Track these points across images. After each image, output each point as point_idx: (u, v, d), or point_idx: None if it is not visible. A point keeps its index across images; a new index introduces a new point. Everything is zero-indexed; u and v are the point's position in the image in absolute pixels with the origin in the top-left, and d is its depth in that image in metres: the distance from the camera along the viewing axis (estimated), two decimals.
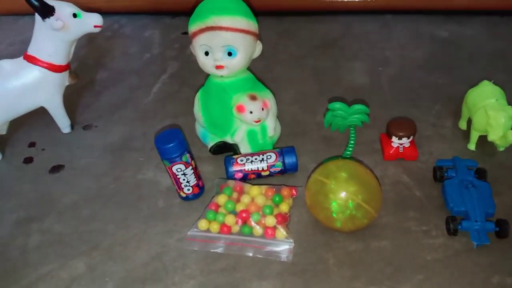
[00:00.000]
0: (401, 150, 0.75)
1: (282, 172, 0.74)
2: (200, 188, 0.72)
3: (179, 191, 0.71)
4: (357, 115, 0.69)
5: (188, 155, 0.67)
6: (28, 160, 0.86)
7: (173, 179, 0.69)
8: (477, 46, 1.08)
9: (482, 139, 0.75)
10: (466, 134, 0.80)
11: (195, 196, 0.72)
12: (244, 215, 0.65)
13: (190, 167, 0.68)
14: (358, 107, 0.69)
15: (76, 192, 0.78)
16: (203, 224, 0.66)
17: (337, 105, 0.69)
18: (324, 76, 1.01)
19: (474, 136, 0.76)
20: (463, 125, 0.82)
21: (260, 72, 0.78)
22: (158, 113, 0.96)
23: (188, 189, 0.70)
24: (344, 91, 0.94)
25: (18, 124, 0.92)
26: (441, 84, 0.95)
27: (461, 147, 0.78)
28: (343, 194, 0.60)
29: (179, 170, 0.67)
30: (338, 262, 0.61)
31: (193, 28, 0.71)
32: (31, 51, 0.82)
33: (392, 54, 1.06)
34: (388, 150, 0.75)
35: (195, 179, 0.70)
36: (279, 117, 0.80)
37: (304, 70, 1.04)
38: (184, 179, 0.69)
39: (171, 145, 0.65)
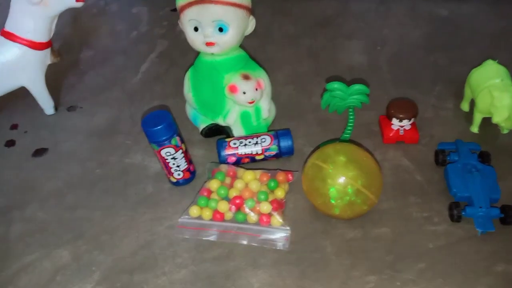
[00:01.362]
0: (401, 132, 0.72)
1: (277, 156, 0.71)
2: (191, 173, 0.68)
3: (169, 176, 0.68)
4: (357, 96, 0.65)
5: (177, 138, 0.63)
6: (10, 144, 0.82)
7: (162, 163, 0.65)
8: (478, 24, 1.04)
9: (485, 121, 0.73)
10: (468, 116, 0.77)
11: (186, 181, 0.68)
12: (237, 201, 0.62)
13: (180, 150, 0.64)
14: (357, 87, 0.65)
15: (60, 178, 0.74)
16: (194, 210, 0.62)
17: (336, 85, 0.65)
18: (320, 56, 0.97)
19: (478, 118, 0.73)
20: (465, 106, 0.79)
21: (253, 51, 0.74)
22: (146, 94, 0.91)
23: (179, 174, 0.67)
24: (341, 71, 0.90)
25: None
26: (442, 65, 0.91)
27: (463, 129, 0.75)
28: (341, 179, 0.57)
29: (168, 154, 0.63)
30: (336, 250, 0.59)
31: (181, 1, 0.66)
32: (9, 27, 0.77)
33: (390, 33, 1.02)
34: (387, 133, 0.72)
35: (185, 163, 0.66)
36: (273, 98, 0.76)
37: (299, 50, 0.99)
38: (174, 164, 0.65)
39: (159, 127, 0.61)
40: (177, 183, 0.68)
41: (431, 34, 1.01)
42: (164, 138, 0.62)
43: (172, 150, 0.63)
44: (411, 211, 0.63)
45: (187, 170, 0.67)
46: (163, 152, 0.63)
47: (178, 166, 0.66)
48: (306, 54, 0.98)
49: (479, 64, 0.75)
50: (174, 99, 0.87)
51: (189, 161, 0.67)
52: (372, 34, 1.02)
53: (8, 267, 0.61)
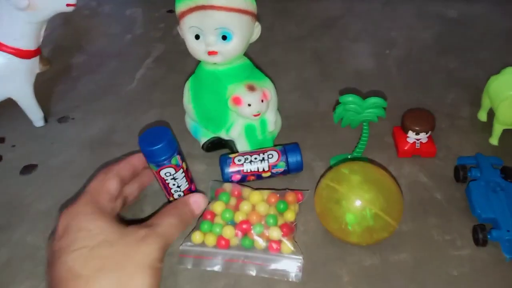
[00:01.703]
0: (417, 146, 0.67)
1: (285, 172, 0.66)
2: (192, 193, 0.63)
3: (168, 197, 0.62)
4: (373, 109, 0.61)
5: (178, 156, 0.58)
6: None
7: (161, 184, 0.60)
8: (489, 26, 0.99)
9: (505, 133, 0.68)
10: (486, 126, 0.73)
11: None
12: (244, 226, 0.57)
13: (181, 170, 0.59)
14: (373, 100, 0.61)
15: (51, 196, 0.69)
16: (197, 236, 0.57)
17: (350, 98, 0.60)
18: (326, 59, 0.92)
19: (498, 130, 0.68)
20: (482, 116, 0.74)
21: (255, 55, 0.69)
22: (143, 102, 0.86)
23: (179, 195, 0.61)
24: (348, 76, 0.86)
25: None
26: (453, 69, 0.86)
27: (481, 141, 0.71)
28: (358, 202, 0.52)
29: (168, 174, 0.58)
30: (354, 280, 0.54)
31: (181, 7, 0.60)
32: None
33: (398, 35, 0.97)
34: (403, 146, 0.68)
35: (186, 183, 0.61)
36: (278, 107, 0.71)
37: (304, 53, 0.94)
38: (174, 184, 0.60)
39: (158, 146, 0.55)
40: None
41: (440, 36, 0.96)
42: (163, 157, 0.56)
43: (172, 170, 0.58)
44: (432, 233, 0.58)
45: (188, 190, 0.62)
46: (162, 173, 0.58)
47: (178, 187, 0.60)
48: (311, 57, 0.93)
49: (492, 67, 0.71)
50: (173, 108, 0.82)
51: (190, 180, 0.62)
52: (379, 36, 0.98)
53: None
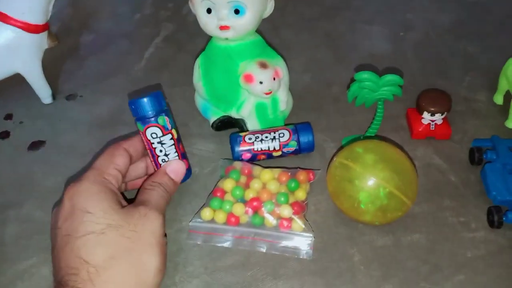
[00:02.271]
0: (432, 127, 0.65)
1: (296, 152, 0.65)
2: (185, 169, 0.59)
3: (156, 169, 0.58)
4: (388, 87, 0.59)
5: (166, 118, 0.55)
6: (4, 135, 0.76)
7: (148, 150, 0.57)
8: (510, 9, 0.96)
9: None
10: (503, 110, 0.71)
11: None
12: (255, 203, 0.56)
13: (170, 135, 0.56)
14: (390, 77, 0.59)
15: (59, 173, 0.68)
16: (207, 213, 0.56)
17: (365, 75, 0.58)
18: (339, 42, 0.90)
19: None
20: (499, 99, 0.72)
21: (266, 36, 0.67)
22: (152, 82, 0.84)
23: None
24: (362, 59, 0.84)
25: None
26: (471, 53, 0.84)
27: (498, 124, 0.69)
28: (372, 181, 0.51)
29: (154, 135, 0.55)
30: (365, 260, 0.53)
31: None
32: (1, 7, 0.70)
33: (414, 18, 0.94)
34: (417, 128, 0.66)
35: (176, 154, 0.57)
36: (290, 88, 0.70)
37: (316, 35, 0.92)
38: (161, 151, 0.56)
39: (143, 99, 0.54)
40: None
41: (459, 19, 0.94)
42: (149, 112, 0.55)
43: (158, 131, 0.55)
44: (446, 215, 0.57)
45: None
46: (148, 133, 0.55)
47: (166, 155, 0.56)
48: (323, 39, 0.91)
49: (511, 52, 0.69)
50: (182, 88, 0.81)
51: (181, 154, 0.58)
52: (394, 18, 0.95)
53: (2, 273, 0.56)
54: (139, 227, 0.45)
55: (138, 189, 0.54)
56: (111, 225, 0.44)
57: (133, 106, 0.56)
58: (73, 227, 0.44)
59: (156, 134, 0.56)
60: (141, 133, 0.57)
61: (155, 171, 0.57)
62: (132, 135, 0.71)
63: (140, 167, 0.60)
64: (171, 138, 0.57)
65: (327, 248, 0.54)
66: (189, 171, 0.62)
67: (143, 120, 0.55)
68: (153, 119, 0.55)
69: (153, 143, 0.56)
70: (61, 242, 0.44)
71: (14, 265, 0.56)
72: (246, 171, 0.61)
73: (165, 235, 0.50)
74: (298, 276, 0.52)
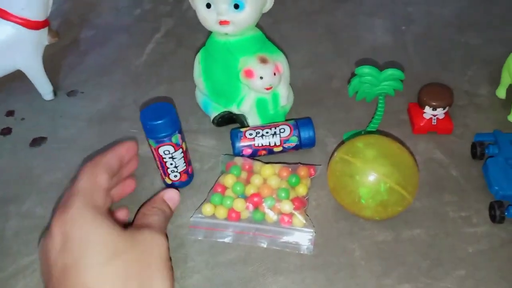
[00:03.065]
0: (434, 122, 0.65)
1: (297, 147, 0.64)
2: (189, 176, 0.62)
3: (164, 177, 0.61)
4: (389, 82, 0.58)
5: (179, 135, 0.56)
6: (6, 131, 0.76)
7: (158, 162, 0.59)
8: None
9: None
10: (505, 104, 0.70)
11: (182, 184, 0.61)
12: (255, 199, 0.56)
13: (180, 150, 0.57)
14: (391, 71, 0.58)
15: (60, 169, 0.68)
16: (207, 209, 0.56)
17: (366, 69, 0.58)
18: (340, 35, 0.89)
19: None
20: (501, 93, 0.72)
21: (266, 30, 0.67)
22: (152, 77, 0.84)
23: (175, 176, 0.60)
24: (364, 52, 0.83)
25: None
26: (474, 46, 0.83)
27: (500, 118, 0.69)
28: (373, 176, 0.51)
29: (166, 152, 0.56)
30: (366, 255, 0.53)
31: None
32: (1, 4, 0.69)
33: (416, 11, 0.94)
34: (418, 122, 0.66)
35: (184, 164, 0.59)
36: (290, 83, 0.69)
37: (317, 28, 0.92)
38: (171, 164, 0.58)
39: (160, 121, 0.53)
40: (171, 186, 0.61)
41: (461, 11, 0.93)
42: (164, 134, 0.54)
43: (171, 149, 0.56)
44: (447, 210, 0.57)
45: (185, 172, 0.60)
46: (161, 150, 0.56)
47: (176, 167, 0.59)
48: (324, 33, 0.90)
49: None
50: (182, 83, 0.81)
51: (188, 162, 0.60)
52: (396, 11, 0.94)
53: (3, 268, 0.56)
54: (147, 252, 0.43)
55: (136, 212, 0.53)
56: (117, 252, 0.40)
57: (147, 126, 0.54)
58: (73, 259, 0.39)
59: (169, 151, 0.56)
60: (152, 148, 0.57)
61: (152, 198, 0.56)
62: (133, 131, 0.72)
63: (120, 179, 0.57)
64: (182, 152, 0.58)
65: (328, 243, 0.54)
66: (191, 177, 0.63)
67: (156, 139, 0.55)
68: (166, 139, 0.55)
69: (165, 158, 0.57)
70: (59, 277, 0.39)
71: (16, 260, 0.57)
72: (247, 167, 0.61)
73: (170, 258, 0.48)
74: (298, 271, 0.52)
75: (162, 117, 0.53)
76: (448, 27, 0.88)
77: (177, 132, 0.56)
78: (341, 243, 0.54)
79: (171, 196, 0.55)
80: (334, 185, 0.55)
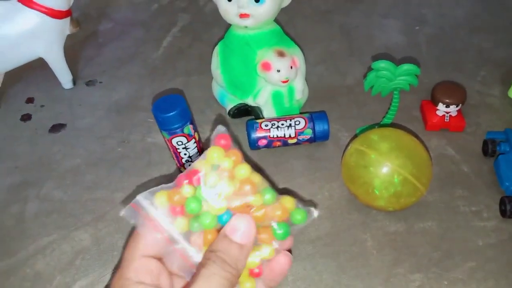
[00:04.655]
0: (446, 119, 0.66)
1: (311, 140, 0.66)
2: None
3: (179, 166, 0.62)
4: (405, 77, 0.59)
5: (191, 126, 0.57)
6: (26, 118, 0.78)
7: (172, 153, 0.60)
8: None
9: None
10: None
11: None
12: None
13: (193, 140, 0.59)
14: (407, 66, 0.60)
15: (78, 155, 0.70)
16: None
17: (383, 64, 0.59)
18: (354, 34, 0.90)
19: None
20: None
21: (282, 28, 0.68)
22: (169, 70, 0.86)
23: (190, 165, 0.61)
24: (377, 51, 0.84)
25: (14, 77, 0.83)
26: (486, 47, 0.84)
27: (511, 118, 0.70)
28: (387, 168, 0.52)
29: (179, 143, 0.58)
30: (378, 244, 0.54)
31: None
32: None
33: (429, 12, 0.95)
34: (431, 119, 0.67)
35: (198, 154, 0.61)
36: (305, 78, 0.71)
37: (331, 27, 0.93)
38: (185, 154, 0.60)
39: (171, 114, 0.54)
40: None
41: (474, 14, 0.94)
42: (176, 126, 0.56)
43: (184, 140, 0.58)
44: (458, 204, 0.58)
45: None
46: (174, 141, 0.58)
47: (190, 157, 0.60)
48: (338, 31, 0.92)
49: None
50: (198, 76, 0.82)
51: (201, 151, 0.61)
52: (410, 12, 0.96)
53: (24, 248, 0.58)
54: None
55: None
56: None
57: (159, 119, 0.56)
58: None
59: (182, 142, 0.58)
60: (165, 139, 0.58)
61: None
62: (149, 120, 0.74)
63: None
64: (194, 142, 0.59)
65: (340, 233, 0.55)
66: None
67: (169, 131, 0.57)
68: (179, 130, 0.56)
69: (178, 148, 0.59)
70: None
71: (35, 241, 0.58)
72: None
73: None
74: (310, 258, 0.53)
75: (174, 109, 0.54)
76: (461, 29, 0.89)
77: (188, 123, 0.57)
78: (353, 233, 0.55)
79: (234, 225, 0.31)
80: (348, 176, 0.56)
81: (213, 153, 0.31)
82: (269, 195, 0.31)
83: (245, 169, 0.31)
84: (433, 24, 0.91)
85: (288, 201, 0.32)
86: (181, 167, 0.62)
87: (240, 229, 0.31)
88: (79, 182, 0.66)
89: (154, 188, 0.31)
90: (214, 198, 0.30)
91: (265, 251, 0.32)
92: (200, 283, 0.28)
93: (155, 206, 0.31)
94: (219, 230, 0.31)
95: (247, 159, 0.35)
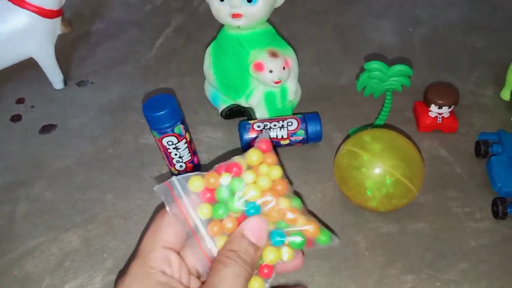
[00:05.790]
0: (439, 120, 0.66)
1: (304, 141, 0.65)
2: (194, 166, 0.62)
3: (170, 167, 0.62)
4: (397, 78, 0.59)
5: (181, 126, 0.57)
6: (16, 118, 0.77)
7: (163, 153, 0.59)
8: None
9: None
10: (510, 105, 0.71)
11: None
12: None
13: (184, 140, 0.58)
14: (399, 67, 0.59)
15: (69, 156, 0.69)
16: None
17: (375, 64, 0.59)
18: (348, 35, 0.90)
19: None
20: (506, 95, 0.73)
21: (276, 28, 0.68)
22: (162, 70, 0.86)
23: (181, 166, 0.61)
24: (371, 52, 0.84)
25: (4, 77, 0.82)
26: (479, 48, 0.85)
27: (504, 119, 0.70)
28: (379, 169, 0.52)
29: (170, 143, 0.57)
30: (370, 246, 0.54)
31: None
32: None
33: (423, 13, 0.95)
34: (424, 120, 0.67)
35: (189, 154, 0.60)
36: (299, 79, 0.70)
37: (326, 27, 0.93)
38: (176, 154, 0.59)
39: (161, 113, 0.54)
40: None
41: (467, 15, 0.94)
42: (166, 125, 0.55)
43: (174, 139, 0.57)
44: (451, 205, 0.58)
45: (191, 162, 0.61)
46: (164, 141, 0.57)
47: (180, 157, 0.60)
48: (333, 32, 0.91)
49: None
50: (192, 77, 0.82)
51: (192, 152, 0.61)
52: (404, 13, 0.96)
53: (13, 249, 0.57)
54: None
55: None
56: None
57: (149, 118, 0.55)
58: None
59: (172, 142, 0.57)
60: (156, 139, 0.58)
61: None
62: (142, 121, 0.73)
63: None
64: (185, 142, 0.59)
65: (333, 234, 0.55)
66: (197, 166, 0.64)
67: (159, 130, 0.56)
68: (169, 130, 0.56)
69: (169, 149, 0.58)
70: None
71: (25, 242, 0.58)
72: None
73: None
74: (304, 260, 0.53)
75: (164, 108, 0.54)
76: (455, 30, 0.90)
77: (179, 123, 0.56)
78: (346, 234, 0.55)
79: (252, 226, 0.33)
80: (340, 177, 0.56)
81: (253, 154, 0.34)
82: (296, 203, 0.34)
83: (277, 171, 0.34)
84: (427, 25, 0.91)
85: (312, 222, 0.34)
86: (172, 168, 0.62)
87: (258, 231, 0.33)
88: (70, 183, 0.65)
89: (190, 173, 0.33)
90: (241, 195, 0.33)
91: (285, 255, 0.34)
92: (225, 283, 0.30)
93: (187, 190, 0.33)
94: (239, 220, 0.33)
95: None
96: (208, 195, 0.33)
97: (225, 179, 0.33)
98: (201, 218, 0.33)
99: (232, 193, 0.33)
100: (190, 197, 0.33)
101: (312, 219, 0.36)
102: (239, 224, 0.33)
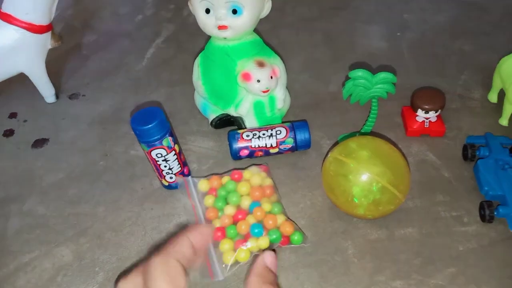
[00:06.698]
0: (426, 125, 0.67)
1: (293, 149, 0.66)
2: (185, 176, 0.63)
3: (160, 179, 0.62)
4: (382, 85, 0.60)
5: (170, 138, 0.57)
6: (8, 133, 0.77)
7: (153, 165, 0.60)
8: (506, 9, 0.97)
9: None
10: (497, 108, 0.72)
11: (179, 185, 0.62)
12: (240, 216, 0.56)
13: (173, 152, 0.59)
14: (383, 75, 0.60)
15: (61, 169, 0.70)
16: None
17: (360, 72, 0.60)
18: (337, 41, 0.91)
19: (508, 111, 0.68)
20: (493, 97, 0.74)
21: (265, 36, 0.69)
22: (152, 81, 0.86)
23: (171, 177, 0.61)
24: (360, 58, 0.85)
25: None
26: (467, 52, 0.85)
27: (492, 122, 0.70)
28: (366, 176, 0.52)
29: (159, 155, 0.58)
30: (359, 252, 0.54)
31: None
32: (6, 8, 0.71)
33: (411, 18, 0.96)
34: (411, 125, 0.67)
35: (178, 165, 0.61)
36: (288, 86, 0.71)
37: (315, 34, 0.94)
38: (165, 166, 0.59)
39: (149, 126, 0.54)
40: (169, 187, 0.63)
41: (455, 19, 0.95)
42: (154, 138, 0.55)
43: (163, 152, 0.57)
44: (438, 210, 0.58)
45: (181, 173, 0.62)
46: (153, 154, 0.57)
47: (170, 169, 0.60)
48: (322, 39, 0.92)
49: (508, 51, 0.70)
50: (182, 87, 0.82)
51: (182, 163, 0.62)
52: (392, 18, 0.96)
53: (5, 265, 0.57)
54: None
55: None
56: None
57: (137, 132, 0.55)
58: None
59: (161, 154, 0.58)
60: (145, 152, 0.58)
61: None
62: (132, 135, 0.74)
63: None
64: (175, 154, 0.59)
65: (322, 241, 0.56)
66: (188, 176, 0.64)
67: (147, 143, 0.56)
68: (157, 142, 0.56)
69: (158, 161, 0.59)
70: None
71: (17, 258, 0.58)
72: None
73: None
74: (293, 268, 0.53)
75: (151, 121, 0.54)
76: (442, 34, 0.90)
77: (167, 135, 0.57)
78: (335, 241, 0.56)
79: (272, 261, 0.37)
80: (328, 184, 0.56)
81: (251, 172, 0.60)
82: (277, 208, 0.56)
83: (267, 181, 0.59)
84: (415, 30, 0.92)
85: (289, 225, 0.54)
86: (162, 179, 0.62)
87: (274, 263, 0.36)
88: (62, 197, 0.65)
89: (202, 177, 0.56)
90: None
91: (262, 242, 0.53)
92: None
93: (197, 187, 0.59)
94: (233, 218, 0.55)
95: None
96: (214, 193, 0.57)
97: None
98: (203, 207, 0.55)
99: (229, 192, 0.54)
100: (198, 194, 0.53)
101: (290, 222, 0.54)
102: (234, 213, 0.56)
